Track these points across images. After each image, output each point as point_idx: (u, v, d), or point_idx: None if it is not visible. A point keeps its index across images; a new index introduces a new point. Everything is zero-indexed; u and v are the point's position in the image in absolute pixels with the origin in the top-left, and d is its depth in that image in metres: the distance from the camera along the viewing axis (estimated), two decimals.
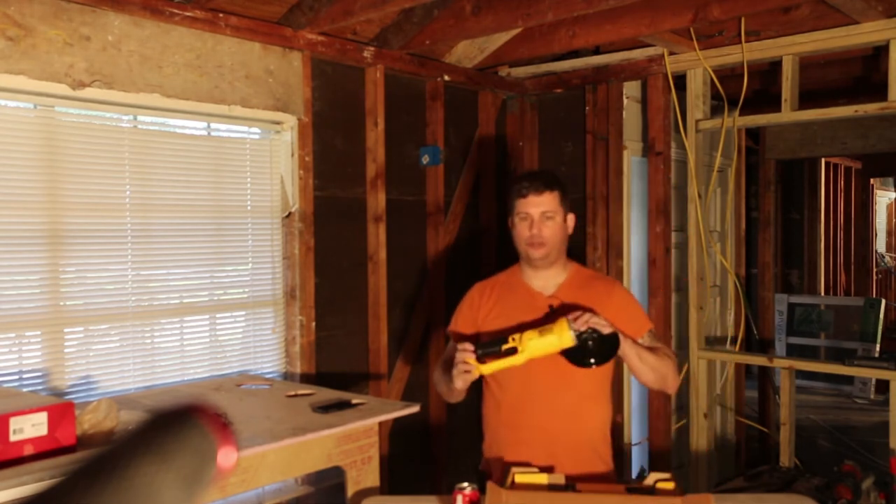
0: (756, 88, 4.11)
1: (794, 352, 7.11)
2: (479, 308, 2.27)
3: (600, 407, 2.21)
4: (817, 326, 7.22)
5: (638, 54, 3.74)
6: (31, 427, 1.84)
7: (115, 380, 2.73)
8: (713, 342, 4.46)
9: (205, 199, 3.01)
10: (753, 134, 5.64)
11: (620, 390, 3.87)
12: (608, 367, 2.16)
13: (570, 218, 2.23)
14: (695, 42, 3.56)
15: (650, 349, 2.15)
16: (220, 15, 2.87)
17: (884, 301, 6.97)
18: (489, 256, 4.10)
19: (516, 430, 2.16)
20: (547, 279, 2.22)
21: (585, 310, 2.01)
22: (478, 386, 2.27)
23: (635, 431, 4.08)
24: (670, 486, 1.90)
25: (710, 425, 3.90)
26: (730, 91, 3.68)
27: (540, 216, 2.14)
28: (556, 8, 2.99)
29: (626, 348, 2.05)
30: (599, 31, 3.37)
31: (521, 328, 2.04)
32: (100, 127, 2.70)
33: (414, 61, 3.60)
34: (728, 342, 4.59)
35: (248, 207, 3.16)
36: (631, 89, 3.98)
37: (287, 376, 3.24)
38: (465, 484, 1.87)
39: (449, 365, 2.10)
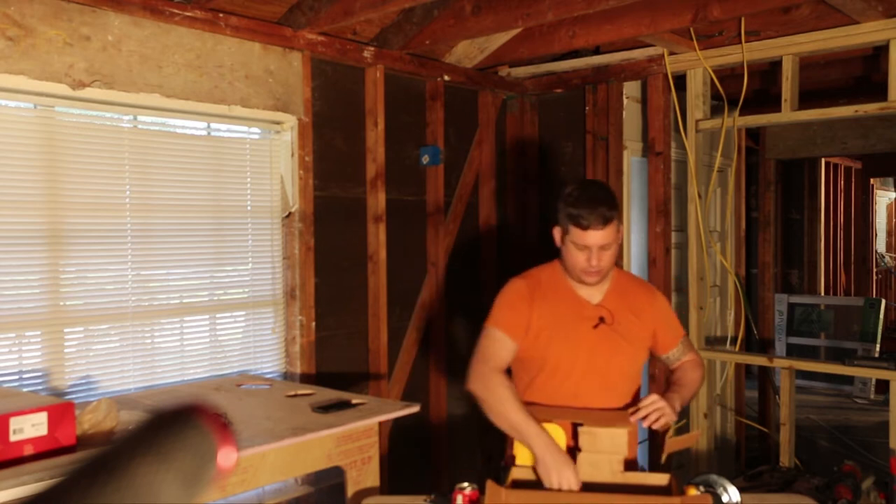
0: (756, 88, 4.11)
1: (794, 352, 7.10)
2: (531, 305, 2.17)
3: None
4: (817, 326, 7.21)
5: (638, 54, 3.74)
6: (31, 427, 1.84)
7: (115, 380, 2.73)
8: (713, 342, 4.46)
9: (205, 199, 3.01)
10: (753, 134, 5.64)
11: None
12: (643, 364, 2.28)
13: (621, 231, 2.18)
14: (695, 42, 3.56)
15: (680, 380, 2.23)
16: (220, 15, 2.87)
17: (884, 301, 6.97)
18: (490, 256, 4.10)
19: None
20: (593, 287, 2.20)
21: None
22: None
23: None
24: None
25: (710, 425, 3.90)
26: (730, 91, 3.68)
27: (599, 249, 2.07)
28: (556, 8, 2.99)
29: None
30: (599, 31, 3.37)
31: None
32: (100, 127, 2.70)
33: (414, 61, 3.60)
34: (728, 342, 4.59)
35: (248, 207, 3.16)
36: (631, 89, 3.98)
37: (287, 376, 3.24)
38: (465, 484, 1.87)
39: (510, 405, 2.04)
